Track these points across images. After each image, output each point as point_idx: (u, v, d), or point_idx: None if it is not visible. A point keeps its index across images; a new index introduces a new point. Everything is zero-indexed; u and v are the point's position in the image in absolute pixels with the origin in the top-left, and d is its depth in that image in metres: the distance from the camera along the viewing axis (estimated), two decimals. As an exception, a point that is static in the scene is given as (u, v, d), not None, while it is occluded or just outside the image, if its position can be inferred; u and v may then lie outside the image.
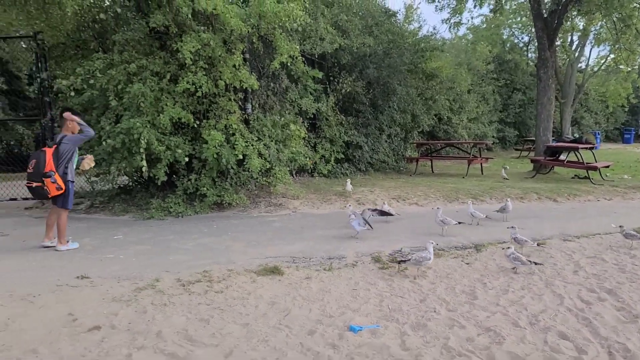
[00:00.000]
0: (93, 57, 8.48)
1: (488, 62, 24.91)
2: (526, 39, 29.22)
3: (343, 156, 13.57)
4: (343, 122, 13.29)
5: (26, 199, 10.48)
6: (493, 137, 24.84)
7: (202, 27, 8.62)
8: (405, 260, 5.85)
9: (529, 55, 28.70)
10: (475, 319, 4.57)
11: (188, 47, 7.88)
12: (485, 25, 27.74)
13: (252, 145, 9.02)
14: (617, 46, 17.71)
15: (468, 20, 27.61)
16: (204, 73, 8.26)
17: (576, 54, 27.66)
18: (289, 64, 9.19)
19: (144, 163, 8.18)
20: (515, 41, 28.77)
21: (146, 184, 9.60)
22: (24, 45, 17.86)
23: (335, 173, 13.17)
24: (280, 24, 8.47)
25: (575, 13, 16.63)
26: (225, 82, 8.42)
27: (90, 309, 4.59)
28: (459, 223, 7.67)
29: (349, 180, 10.35)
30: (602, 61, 28.85)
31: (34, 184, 6.27)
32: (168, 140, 8.54)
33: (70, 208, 6.57)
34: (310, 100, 11.25)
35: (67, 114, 6.52)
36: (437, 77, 17.38)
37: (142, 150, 8.13)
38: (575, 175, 15.53)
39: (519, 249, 6.68)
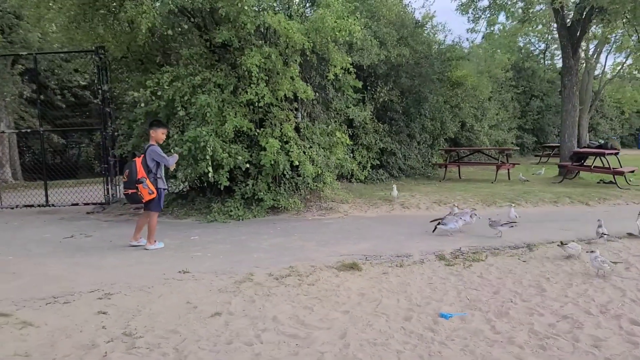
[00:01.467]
0: (162, 70, 9.07)
1: (507, 70, 25.41)
2: (542, 46, 29.79)
3: (378, 162, 14.12)
4: (378, 130, 13.84)
5: (87, 204, 11.09)
6: (512, 143, 25.27)
7: (260, 42, 9.20)
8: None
9: (546, 62, 29.23)
10: (550, 308, 5.06)
11: (253, 61, 8.46)
12: (498, 34, 28.26)
13: (305, 152, 9.58)
14: (638, 54, 18.14)
15: (486, 29, 28.11)
16: (265, 84, 8.81)
17: (592, 61, 28.15)
18: (339, 75, 9.76)
19: (210, 169, 8.74)
20: (532, 49, 29.27)
21: (203, 190, 10.16)
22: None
23: (372, 179, 13.72)
24: (333, 38, 9.04)
25: (597, 22, 17.05)
26: (284, 92, 8.97)
27: (204, 298, 5.12)
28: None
29: (395, 186, 10.87)
30: (618, 68, 29.29)
31: (130, 191, 6.84)
32: (229, 147, 9.10)
33: (160, 210, 7.13)
34: (357, 109, 11.82)
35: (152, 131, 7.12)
36: (462, 85, 17.90)
37: (208, 157, 8.70)
38: (601, 180, 15.95)
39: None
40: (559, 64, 29.99)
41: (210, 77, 9.11)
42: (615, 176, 15.05)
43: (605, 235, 7.76)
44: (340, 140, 10.61)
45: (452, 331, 4.48)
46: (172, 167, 7.31)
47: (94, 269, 6.10)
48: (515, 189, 13.41)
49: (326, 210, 10.12)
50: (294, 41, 8.46)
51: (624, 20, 16.29)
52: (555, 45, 30.17)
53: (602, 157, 16.12)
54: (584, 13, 16.13)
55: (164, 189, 7.17)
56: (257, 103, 8.91)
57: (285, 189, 9.81)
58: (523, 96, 27.59)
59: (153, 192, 6.86)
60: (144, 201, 6.93)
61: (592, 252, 6.35)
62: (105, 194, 11.09)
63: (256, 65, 8.44)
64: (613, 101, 33.20)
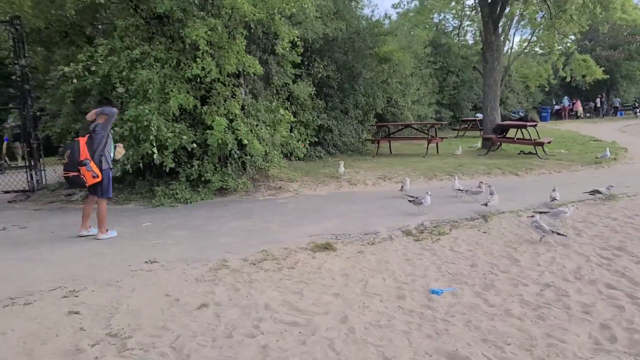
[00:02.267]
0: (95, 42, 8.30)
1: (425, 46, 25.96)
2: (457, 23, 30.66)
3: (316, 139, 13.95)
4: (316, 106, 13.65)
5: (7, 192, 10.09)
6: (432, 118, 26.00)
7: (201, 13, 8.66)
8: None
9: (460, 39, 30.14)
10: (530, 278, 5.17)
11: (199, 33, 7.94)
12: (414, 11, 28.74)
13: (252, 130, 9.22)
14: (549, 30, 19.10)
15: (402, 5, 28.48)
16: (211, 59, 8.32)
17: (502, 38, 29.41)
18: (286, 50, 9.42)
19: (155, 150, 8.18)
20: (447, 25, 30.06)
21: (141, 173, 9.52)
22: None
23: (310, 156, 13.54)
24: (281, 10, 8.67)
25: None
26: (231, 68, 8.52)
27: (183, 289, 4.77)
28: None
29: (342, 163, 10.73)
30: (525, 44, 30.80)
31: (71, 174, 6.22)
32: (172, 127, 8.56)
33: (110, 196, 6.56)
34: (301, 85, 11.53)
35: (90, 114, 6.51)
36: (389, 61, 18.02)
37: (152, 137, 8.13)
38: (521, 151, 16.78)
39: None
40: (471, 40, 31.26)
41: (150, 51, 8.46)
42: (536, 147, 15.87)
43: (556, 200, 8.15)
44: (284, 118, 10.30)
45: (448, 307, 4.46)
46: (117, 153, 6.73)
47: (47, 265, 5.50)
48: (449, 162, 13.78)
49: (276, 190, 9.84)
50: (243, 12, 8.00)
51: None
52: (469, 22, 31.28)
53: (522, 130, 16.99)
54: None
55: (111, 169, 6.56)
56: (203, 79, 8.38)
57: (232, 170, 9.40)
58: (440, 72, 28.35)
59: (97, 176, 6.26)
60: (87, 185, 6.32)
61: (531, 216, 6.74)
62: (29, 180, 10.11)
63: (203, 38, 7.91)
64: (520, 76, 34.91)
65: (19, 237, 6.83)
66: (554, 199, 8.23)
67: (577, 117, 39.42)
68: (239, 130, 8.92)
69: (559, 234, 6.53)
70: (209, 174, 9.04)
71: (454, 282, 5.10)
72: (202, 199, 9.07)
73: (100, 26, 9.09)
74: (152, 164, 8.91)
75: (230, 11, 8.26)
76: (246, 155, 9.28)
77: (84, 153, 6.24)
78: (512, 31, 30.74)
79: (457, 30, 30.15)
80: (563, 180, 11.44)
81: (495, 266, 5.55)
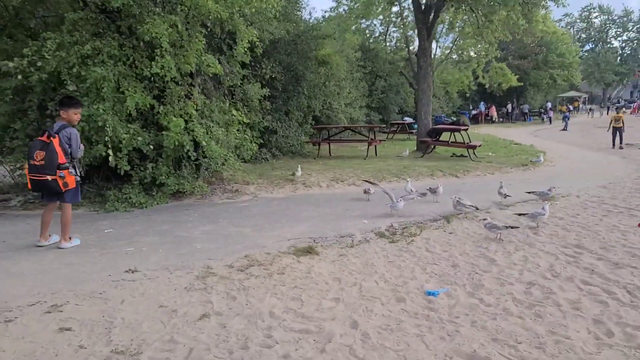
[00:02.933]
0: (44, 36, 7.70)
1: (356, 50, 26.40)
2: (383, 29, 31.42)
3: (262, 141, 13.75)
4: (263, 108, 13.45)
5: None
6: (363, 120, 26.48)
7: (157, 9, 8.29)
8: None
9: (387, 44, 30.91)
10: (512, 277, 5.37)
11: (160, 30, 7.59)
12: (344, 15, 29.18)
13: (208, 131, 8.95)
14: (477, 39, 20.03)
15: (332, 10, 28.81)
16: (171, 57, 7.98)
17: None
18: (245, 50, 9.22)
19: (111, 152, 7.73)
20: (375, 31, 30.72)
21: (89, 176, 8.95)
22: None
23: (256, 158, 13.33)
24: (241, 8, 8.47)
25: (447, 7, 18.41)
26: (190, 67, 8.21)
27: (176, 300, 4.54)
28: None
29: (299, 167, 10.53)
30: (447, 52, 32.10)
31: (48, 177, 5.68)
32: (127, 127, 8.13)
33: (79, 201, 6.10)
34: (255, 86, 11.31)
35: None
36: (327, 64, 18.14)
37: (107, 138, 7.68)
38: (453, 154, 17.47)
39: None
40: (397, 46, 32.11)
41: (101, 47, 7.97)
42: (469, 150, 16.57)
43: (507, 197, 8.56)
44: (235, 119, 10.08)
45: (449, 308, 4.54)
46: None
47: (15, 277, 5.02)
48: (392, 164, 14.07)
49: (232, 193, 9.60)
50: (206, 9, 7.72)
51: (470, 7, 17.75)
52: (395, 29, 32.13)
53: (455, 133, 17.69)
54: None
55: (78, 180, 6.12)
56: (162, 78, 8.01)
57: (187, 172, 9.06)
58: (369, 76, 28.93)
59: (69, 184, 5.80)
60: (64, 190, 5.81)
61: (483, 219, 7.03)
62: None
63: (165, 36, 7.56)
64: (440, 82, 36.33)
65: (-34, 248, 6.21)
66: (505, 195, 8.65)
67: (492, 122, 41.55)
68: (194, 131, 8.60)
69: (512, 227, 6.90)
70: (163, 177, 8.65)
71: (444, 282, 5.20)
72: (158, 203, 8.68)
73: (46, 19, 8.42)
74: (101, 167, 8.41)
75: (187, 8, 7.91)
76: (202, 157, 8.96)
77: (61, 156, 5.76)
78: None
79: (384, 36, 30.91)
80: (499, 181, 11.98)
81: (475, 266, 5.71)
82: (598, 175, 13.24)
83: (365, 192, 9.12)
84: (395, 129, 26.73)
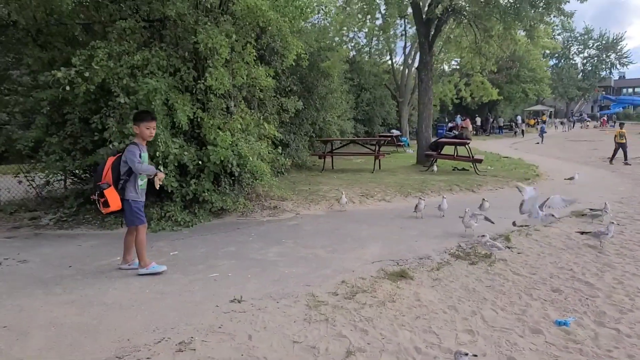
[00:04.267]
0: (94, 45, 7.22)
1: (344, 62, 26.33)
2: (366, 41, 31.52)
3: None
4: (281, 120, 13.12)
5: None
6: (351, 133, 26.38)
7: (205, 18, 7.94)
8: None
9: (372, 57, 31.05)
10: (625, 303, 5.24)
11: (217, 41, 7.23)
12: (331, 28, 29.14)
13: (251, 146, 8.60)
14: (473, 54, 20.22)
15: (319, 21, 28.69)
16: (225, 69, 7.63)
17: (410, 58, 30.81)
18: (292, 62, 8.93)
19: (162, 168, 7.30)
20: (359, 42, 30.80)
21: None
22: None
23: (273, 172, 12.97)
24: (294, 17, 8.19)
25: (450, 22, 18.51)
26: (240, 79, 7.87)
27: (305, 334, 4.21)
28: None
29: (343, 194, 9.90)
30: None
31: (93, 197, 5.33)
32: (174, 142, 7.72)
33: (143, 223, 5.62)
34: (293, 99, 10.99)
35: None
36: (330, 76, 17.98)
37: (159, 154, 7.26)
38: (455, 168, 17.50)
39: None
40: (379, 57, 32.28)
41: (150, 58, 7.55)
42: (474, 164, 16.63)
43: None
44: (270, 132, 9.75)
45: (592, 340, 4.35)
46: (157, 181, 5.74)
47: (117, 310, 4.57)
48: (406, 178, 13.93)
49: (272, 210, 9.24)
50: (265, 18, 7.39)
51: (471, 22, 17.90)
52: (377, 41, 32.29)
53: (457, 147, 17.75)
54: (434, 13, 17.34)
55: (139, 201, 5.64)
56: (207, 90, 7.65)
57: (229, 189, 8.67)
58: (355, 88, 28.92)
59: (111, 205, 5.33)
60: (105, 210, 5.37)
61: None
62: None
63: (223, 47, 7.21)
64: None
65: (32, 273, 5.68)
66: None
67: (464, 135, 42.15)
68: (238, 146, 8.24)
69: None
70: (206, 194, 8.24)
71: (561, 310, 5.00)
72: (201, 221, 8.26)
73: (95, 27, 7.91)
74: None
75: (241, 17, 7.58)
76: (245, 172, 8.59)
77: (107, 175, 5.35)
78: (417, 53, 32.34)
79: (368, 49, 31.02)
80: (513, 197, 12.00)
81: (577, 290, 5.55)
82: (604, 189, 13.43)
83: (416, 208, 8.91)
84: (383, 142, 26.65)
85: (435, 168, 16.12)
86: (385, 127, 32.11)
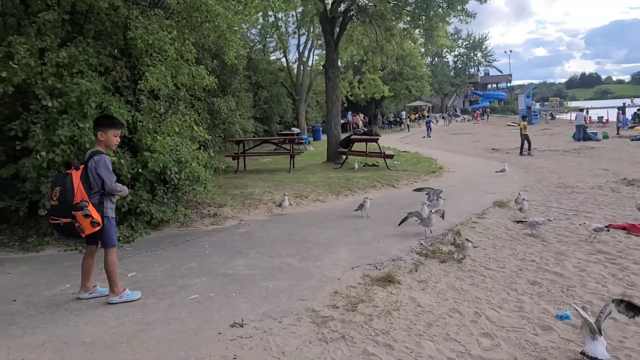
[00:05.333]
0: (10, 41, 6.21)
1: (244, 58, 25.79)
2: (259, 39, 31.17)
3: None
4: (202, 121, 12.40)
5: None
6: (252, 132, 25.88)
7: (139, 13, 7.20)
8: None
9: (266, 56, 30.74)
10: (599, 289, 5.47)
11: (158, 36, 6.56)
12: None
13: (191, 150, 8.00)
14: (373, 53, 20.68)
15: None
16: (166, 69, 6.95)
17: (305, 56, 30.98)
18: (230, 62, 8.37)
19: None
20: (254, 40, 30.35)
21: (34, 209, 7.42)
22: None
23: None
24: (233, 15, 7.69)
25: (356, 21, 18.67)
26: (182, 79, 7.23)
27: (332, 355, 3.88)
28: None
29: (286, 196, 9.50)
30: (322, 62, 32.75)
31: (63, 221, 4.55)
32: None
33: (115, 244, 4.93)
34: (224, 100, 10.30)
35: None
36: (238, 74, 17.43)
37: (94, 163, 6.44)
38: (365, 164, 17.76)
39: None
40: (272, 57, 32.09)
41: (77, 55, 6.68)
42: (386, 159, 16.96)
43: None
44: (199, 135, 9.14)
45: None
46: (122, 194, 5.11)
47: (99, 350, 3.86)
48: (332, 177, 13.83)
49: (213, 217, 8.62)
50: (210, 13, 6.82)
51: (375, 22, 18.23)
52: (270, 39, 32.04)
53: (368, 144, 18.03)
54: (337, 12, 17.48)
55: (113, 217, 4.97)
56: (157, 92, 6.95)
57: (166, 198, 7.97)
58: (253, 86, 28.40)
59: (99, 223, 4.64)
60: (83, 235, 4.68)
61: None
62: None
63: (168, 43, 6.55)
64: (313, 93, 36.98)
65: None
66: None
67: (356, 129, 43.27)
68: (179, 151, 7.61)
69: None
70: (143, 205, 7.50)
71: (552, 303, 5.08)
72: (141, 235, 7.49)
73: (8, 20, 6.77)
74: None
75: (177, 11, 6.96)
76: (185, 179, 7.94)
77: (80, 192, 4.59)
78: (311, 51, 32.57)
79: (263, 47, 30.67)
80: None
81: (554, 282, 5.70)
82: (504, 180, 14.37)
83: (360, 207, 8.79)
84: (283, 140, 26.44)
85: (356, 165, 16.18)
86: (283, 125, 31.88)
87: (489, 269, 6.21)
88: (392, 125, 50.49)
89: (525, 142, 21.60)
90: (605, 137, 30.45)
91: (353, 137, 17.88)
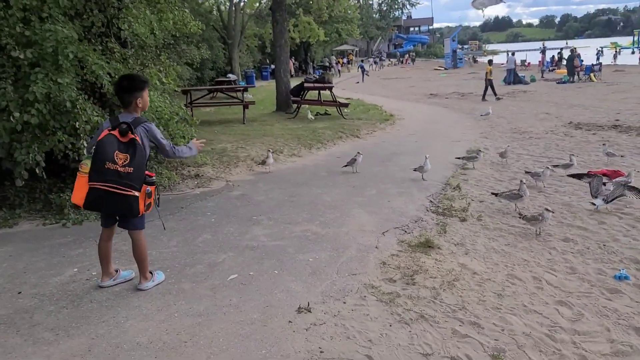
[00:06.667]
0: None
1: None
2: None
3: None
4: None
5: None
6: (187, 80, 24.43)
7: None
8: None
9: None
10: (599, 232, 5.45)
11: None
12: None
13: (171, 105, 7.18)
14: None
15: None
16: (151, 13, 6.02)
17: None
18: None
19: (84, 142, 5.64)
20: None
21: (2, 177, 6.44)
22: None
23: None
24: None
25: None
26: (168, 25, 6.33)
27: (423, 340, 3.52)
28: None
29: (270, 153, 8.83)
30: (256, 5, 31.23)
31: (135, 193, 3.78)
32: (92, 108, 6.02)
33: (144, 228, 4.21)
34: (203, 47, 9.22)
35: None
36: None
37: (78, 124, 5.58)
38: (317, 113, 17.22)
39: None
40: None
41: (48, -3, 5.63)
42: (341, 108, 16.49)
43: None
44: (169, 88, 8.28)
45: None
46: (193, 153, 4.44)
47: (164, 353, 3.29)
48: (295, 129, 13.24)
49: (196, 179, 7.88)
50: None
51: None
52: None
53: (321, 92, 17.42)
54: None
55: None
56: (143, 40, 6.05)
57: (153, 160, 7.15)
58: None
59: (150, 205, 3.97)
60: (139, 215, 3.92)
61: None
62: None
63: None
64: (244, 37, 35.39)
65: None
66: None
67: (291, 76, 42.26)
68: (160, 106, 6.80)
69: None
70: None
71: (599, 261, 4.96)
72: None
73: None
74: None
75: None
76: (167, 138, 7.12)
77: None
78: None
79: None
80: (400, 141, 12.30)
81: (584, 237, 5.61)
82: (460, 127, 14.50)
83: (352, 162, 8.36)
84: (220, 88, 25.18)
85: (309, 115, 15.55)
86: (215, 72, 30.32)
87: (512, 225, 6.05)
88: (322, 71, 49.68)
89: (490, 88, 21.92)
90: (533, 80, 31.46)
91: (306, 84, 17.13)
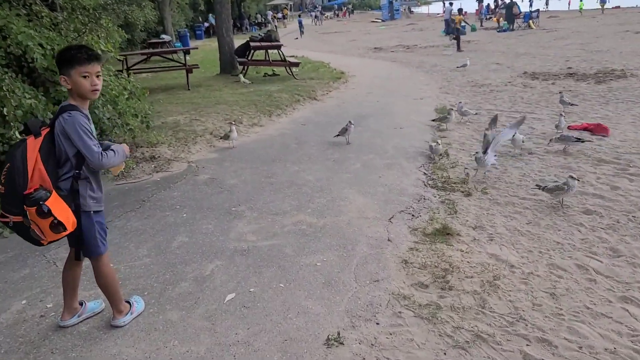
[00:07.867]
0: None
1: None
2: None
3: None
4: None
5: None
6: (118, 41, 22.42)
7: None
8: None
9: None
10: (620, 201, 4.97)
11: None
12: None
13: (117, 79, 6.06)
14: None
15: None
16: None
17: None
18: None
19: (16, 132, 4.51)
20: None
21: None
22: None
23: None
24: None
25: None
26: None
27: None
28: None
29: (233, 126, 7.71)
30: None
31: (11, 219, 2.76)
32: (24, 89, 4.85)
33: (103, 252, 3.17)
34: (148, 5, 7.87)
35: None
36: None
37: (7, 111, 4.44)
38: (265, 74, 16.17)
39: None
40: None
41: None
42: (291, 68, 15.49)
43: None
44: (112, 55, 7.12)
45: None
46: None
47: None
48: (247, 93, 12.18)
49: (152, 162, 6.78)
50: None
51: None
52: None
53: (267, 51, 16.28)
54: None
55: (101, 211, 3.11)
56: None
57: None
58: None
59: (64, 226, 2.75)
60: (45, 243, 2.83)
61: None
62: None
63: None
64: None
65: None
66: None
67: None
68: (106, 80, 5.69)
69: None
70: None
71: (630, 237, 4.45)
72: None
73: None
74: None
75: None
76: (117, 118, 6.02)
77: (37, 174, 2.78)
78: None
79: None
80: (364, 101, 11.62)
81: (606, 207, 5.09)
82: (416, 82, 14.13)
83: (343, 131, 7.53)
84: (154, 49, 23.33)
85: (245, 79, 14.28)
86: (147, 33, 28.17)
87: (522, 197, 5.44)
88: (257, 27, 47.74)
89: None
90: (474, 29, 31.32)
91: (252, 44, 15.90)
